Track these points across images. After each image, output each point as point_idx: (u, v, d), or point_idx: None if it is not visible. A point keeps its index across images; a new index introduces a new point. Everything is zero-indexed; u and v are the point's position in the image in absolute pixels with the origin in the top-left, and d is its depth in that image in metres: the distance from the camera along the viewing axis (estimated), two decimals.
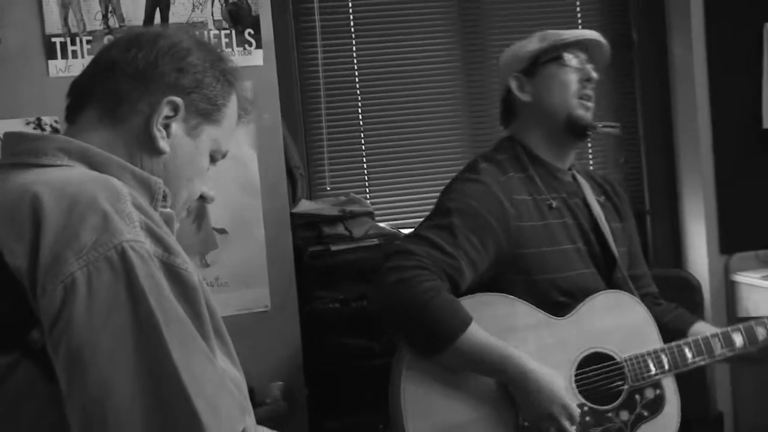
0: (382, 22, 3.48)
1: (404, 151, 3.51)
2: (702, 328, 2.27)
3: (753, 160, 3.52)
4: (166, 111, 1.31)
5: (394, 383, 2.05)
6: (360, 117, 3.46)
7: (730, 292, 3.52)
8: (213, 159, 1.40)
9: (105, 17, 2.69)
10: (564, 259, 2.17)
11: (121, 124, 1.30)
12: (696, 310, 3.15)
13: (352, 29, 3.44)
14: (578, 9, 3.60)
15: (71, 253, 1.07)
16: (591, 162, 3.59)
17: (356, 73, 3.45)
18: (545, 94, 2.23)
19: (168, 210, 1.29)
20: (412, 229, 2.88)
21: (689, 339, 2.19)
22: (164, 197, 1.28)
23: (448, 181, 3.22)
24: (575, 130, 2.22)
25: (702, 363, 2.19)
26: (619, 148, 3.63)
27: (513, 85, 2.27)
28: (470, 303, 2.03)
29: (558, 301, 2.13)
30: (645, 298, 2.32)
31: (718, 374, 3.49)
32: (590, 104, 2.23)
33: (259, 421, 1.73)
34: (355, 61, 3.45)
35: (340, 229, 3.03)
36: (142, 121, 1.30)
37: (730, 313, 3.51)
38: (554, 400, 1.99)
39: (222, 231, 2.77)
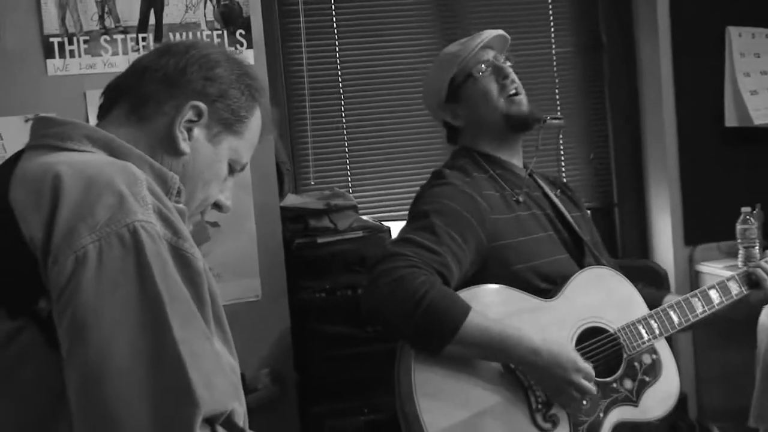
0: (364, 23, 3.49)
1: (385, 147, 3.53)
2: (674, 298, 2.30)
3: (716, 157, 3.57)
4: (189, 115, 1.34)
5: (405, 384, 1.98)
6: (343, 115, 3.48)
7: (694, 281, 3.57)
8: (232, 169, 1.42)
9: (101, 18, 2.71)
10: (539, 246, 2.18)
11: (146, 123, 1.34)
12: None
13: (335, 30, 3.46)
14: (551, 13, 3.65)
15: (85, 227, 1.10)
16: (563, 158, 3.64)
17: (339, 73, 3.47)
18: (475, 111, 2.27)
19: (181, 206, 1.30)
20: (393, 221, 2.94)
21: (672, 302, 2.21)
22: (178, 193, 1.30)
23: (427, 174, 3.27)
24: (516, 126, 2.25)
25: (687, 324, 2.20)
26: (588, 145, 3.68)
27: (446, 117, 2.33)
28: (463, 296, 2.00)
29: (541, 287, 2.13)
30: None
31: (683, 359, 3.53)
32: (519, 96, 2.25)
33: (251, 406, 1.75)
34: (338, 61, 3.47)
35: (326, 221, 3.06)
36: (166, 122, 1.33)
37: None
38: (569, 366, 1.97)
39: (214, 224, 2.78)
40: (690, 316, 2.20)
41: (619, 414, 2.09)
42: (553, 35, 3.67)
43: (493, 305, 2.04)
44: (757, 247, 3.27)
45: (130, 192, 1.14)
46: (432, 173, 2.31)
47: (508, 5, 3.61)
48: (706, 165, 3.57)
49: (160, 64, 1.35)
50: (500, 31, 2.30)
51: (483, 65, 2.26)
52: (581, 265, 2.24)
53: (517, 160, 2.32)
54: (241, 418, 1.26)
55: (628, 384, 2.12)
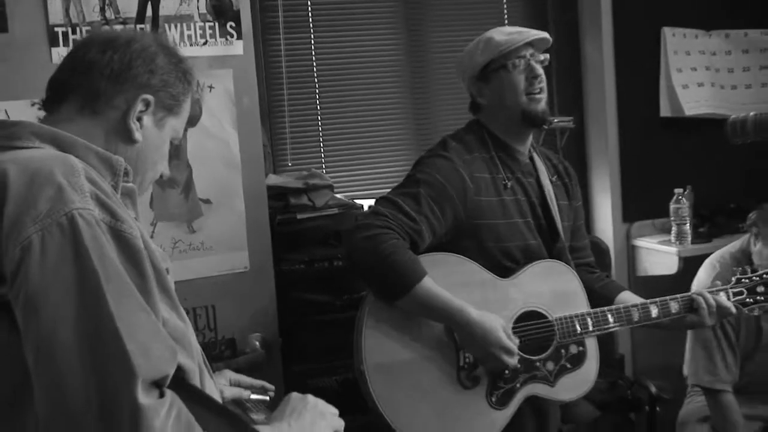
0: (337, 18, 3.52)
1: (356, 131, 3.57)
2: (626, 297, 2.36)
3: (651, 143, 3.68)
4: (140, 107, 1.38)
5: (357, 325, 2.14)
6: (317, 102, 3.51)
7: (631, 254, 3.69)
8: (171, 143, 1.49)
9: (102, 9, 2.71)
10: (513, 230, 2.25)
11: (98, 117, 1.37)
12: (605, 270, 3.32)
13: (311, 24, 3.49)
14: (505, 13, 3.72)
15: (29, 219, 1.14)
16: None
17: (314, 63, 3.50)
18: (499, 97, 2.30)
19: (130, 185, 1.36)
20: (364, 199, 3.00)
21: (612, 307, 2.27)
22: (125, 173, 1.34)
23: (395, 156, 3.34)
24: (530, 122, 2.29)
25: (620, 328, 2.30)
26: (537, 132, 3.76)
27: (473, 91, 2.35)
28: (427, 260, 2.12)
29: (505, 265, 2.23)
30: (582, 267, 2.42)
31: None
32: (540, 96, 2.28)
33: (240, 367, 1.82)
34: (313, 52, 3.49)
35: (304, 199, 3.12)
36: (118, 115, 1.37)
37: (631, 272, 3.69)
38: (494, 342, 2.08)
39: (207, 201, 2.82)
40: (625, 323, 2.28)
41: (534, 389, 2.19)
42: None
43: (450, 273, 2.15)
44: (687, 224, 3.42)
45: (67, 182, 1.17)
46: (441, 140, 2.35)
47: (467, 4, 3.67)
48: (642, 151, 3.68)
49: (105, 60, 1.38)
50: (545, 34, 2.32)
51: (519, 60, 2.27)
52: (551, 251, 2.32)
53: (522, 147, 2.35)
54: (195, 375, 1.31)
55: (549, 366, 2.21)
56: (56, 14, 2.68)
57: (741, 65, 3.75)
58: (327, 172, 3.46)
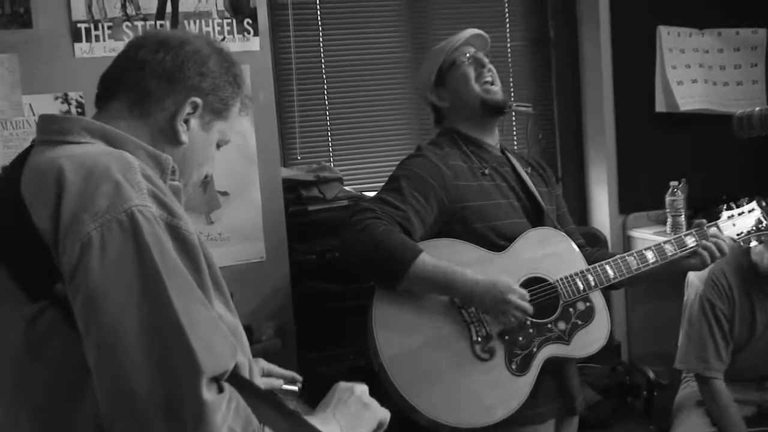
0: (345, 16, 3.55)
1: (362, 126, 3.61)
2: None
3: (647, 138, 3.72)
4: (188, 109, 1.36)
5: (368, 314, 2.12)
6: (326, 98, 3.54)
7: (626, 245, 3.73)
8: (218, 146, 1.46)
9: (123, 6, 2.74)
10: (500, 210, 2.25)
11: (147, 117, 1.35)
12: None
13: (320, 21, 3.51)
14: (506, 11, 3.76)
15: (88, 216, 1.12)
16: (515, 138, 3.74)
17: (323, 60, 3.52)
18: (456, 93, 2.34)
19: (176, 183, 1.33)
20: (371, 192, 3.01)
21: (609, 260, 2.25)
22: (173, 172, 1.32)
23: (401, 150, 3.35)
24: (490, 110, 2.32)
25: (621, 278, 2.23)
26: (536, 127, 3.77)
27: (433, 99, 2.39)
28: (420, 245, 2.11)
29: (498, 244, 2.21)
30: None
31: (616, 312, 3.71)
32: (494, 86, 2.33)
33: (256, 355, 1.81)
34: (321, 49, 3.52)
35: (315, 192, 3.15)
36: (166, 116, 1.35)
37: None
38: (504, 288, 2.06)
39: (224, 193, 2.85)
40: (624, 272, 2.24)
41: (551, 350, 2.16)
42: (507, 31, 3.77)
43: (446, 256, 2.13)
44: (682, 216, 3.46)
45: (125, 179, 1.16)
46: (416, 147, 2.40)
47: (469, 4, 3.71)
48: (638, 145, 3.72)
49: (157, 60, 1.35)
50: (479, 31, 2.40)
51: (463, 56, 2.35)
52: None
53: (491, 140, 2.38)
54: (246, 369, 1.28)
55: (561, 326, 2.18)
56: (79, 11, 2.70)
57: (732, 63, 3.81)
58: (335, 166, 3.49)
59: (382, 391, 1.96)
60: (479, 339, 2.13)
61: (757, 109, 2.19)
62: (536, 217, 2.33)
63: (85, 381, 1.13)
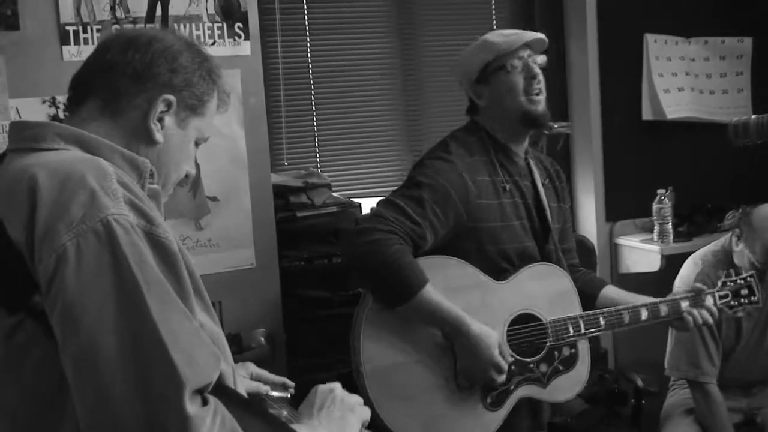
0: (332, 21, 3.55)
1: (349, 132, 3.60)
2: (609, 292, 2.40)
3: (633, 146, 3.75)
4: (161, 107, 1.33)
5: (357, 325, 2.10)
6: (313, 104, 3.53)
7: (613, 252, 3.76)
8: (197, 144, 1.43)
9: (113, 8, 2.72)
10: (511, 233, 2.24)
11: (119, 117, 1.31)
12: (591, 267, 3.39)
13: (307, 27, 3.50)
14: (494, 19, 3.78)
15: (63, 225, 1.09)
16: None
17: (310, 65, 3.52)
18: (498, 99, 2.27)
19: (155, 186, 1.31)
20: (358, 198, 2.96)
21: (604, 310, 2.28)
22: (151, 175, 1.29)
23: (388, 157, 3.32)
24: (529, 123, 2.28)
25: (611, 330, 2.32)
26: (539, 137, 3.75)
27: (472, 94, 2.33)
28: (426, 263, 2.10)
29: (502, 267, 2.22)
30: (568, 268, 2.42)
31: None
32: (539, 97, 2.26)
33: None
34: (309, 55, 3.51)
35: (303, 198, 3.14)
36: (139, 115, 1.32)
37: (614, 269, 3.77)
38: (486, 358, 2.08)
39: (214, 199, 2.85)
40: (615, 325, 2.29)
41: (527, 390, 2.20)
42: None
43: (449, 277, 2.14)
44: (669, 224, 3.50)
45: (100, 187, 1.13)
46: (442, 141, 2.32)
47: (457, 8, 3.72)
48: (625, 153, 3.74)
49: (126, 60, 1.32)
50: (541, 35, 2.32)
51: (517, 61, 2.26)
52: (543, 251, 2.32)
53: (520, 150, 2.34)
54: (230, 378, 1.27)
55: (543, 368, 2.22)
56: (67, 13, 2.69)
57: (718, 71, 3.86)
58: (322, 171, 3.47)
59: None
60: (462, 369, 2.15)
61: (753, 117, 2.22)
62: (543, 236, 2.34)
63: (66, 395, 1.10)
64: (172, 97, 1.33)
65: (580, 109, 3.79)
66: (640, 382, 3.17)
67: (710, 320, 2.37)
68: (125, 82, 1.31)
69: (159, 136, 1.33)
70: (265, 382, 1.86)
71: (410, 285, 2.03)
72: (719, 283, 2.48)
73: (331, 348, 2.92)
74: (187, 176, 1.44)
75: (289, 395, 1.85)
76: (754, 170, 3.71)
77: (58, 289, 1.08)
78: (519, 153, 2.35)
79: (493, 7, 3.79)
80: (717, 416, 2.77)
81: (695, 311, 2.34)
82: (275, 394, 1.84)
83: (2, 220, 1.13)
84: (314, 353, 3.00)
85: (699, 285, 2.43)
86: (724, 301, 2.43)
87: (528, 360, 2.20)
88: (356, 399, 1.48)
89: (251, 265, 2.90)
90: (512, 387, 2.18)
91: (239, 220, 2.88)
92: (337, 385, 1.47)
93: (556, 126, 2.44)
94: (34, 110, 2.64)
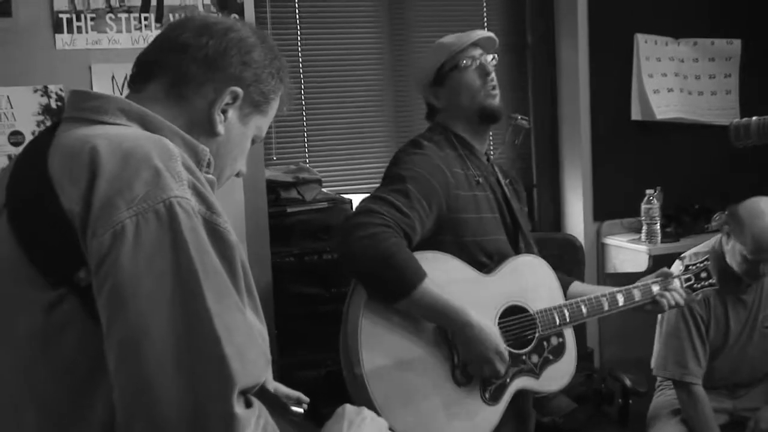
0: (323, 15, 3.56)
1: (339, 127, 3.62)
2: (578, 288, 2.47)
3: (622, 146, 3.80)
4: (227, 99, 1.31)
5: (351, 323, 2.08)
6: (303, 98, 3.54)
7: (600, 252, 3.81)
8: (253, 142, 1.41)
9: None
10: (487, 225, 2.28)
11: (184, 102, 1.30)
12: (579, 266, 3.46)
13: (298, 21, 3.52)
14: (485, 16, 3.81)
15: (123, 201, 1.06)
16: (491, 142, 3.72)
17: (300, 60, 3.53)
18: (455, 97, 2.33)
19: (211, 176, 1.27)
20: (347, 194, 2.97)
21: (584, 298, 2.35)
22: (208, 164, 1.27)
23: (377, 152, 3.30)
24: (486, 118, 2.33)
25: (593, 317, 2.40)
26: (513, 132, 3.84)
27: (429, 97, 2.39)
28: (422, 256, 2.12)
29: (481, 260, 2.25)
30: None
31: (588, 321, 3.77)
32: (495, 92, 2.33)
33: None
34: (299, 48, 3.53)
35: (294, 193, 3.16)
36: (204, 104, 1.30)
37: (600, 269, 3.82)
38: (490, 347, 2.11)
39: None
40: (596, 311, 2.37)
41: (523, 382, 2.25)
42: None
43: (441, 271, 2.15)
44: (657, 224, 3.55)
45: (165, 167, 1.10)
46: (410, 141, 2.36)
47: (448, 8, 3.75)
48: (613, 153, 3.80)
49: (200, 44, 1.30)
50: (490, 34, 2.39)
51: (470, 60, 2.33)
52: (515, 247, 2.37)
53: (481, 147, 2.40)
54: (271, 383, 1.25)
55: (534, 359, 2.27)
56: (61, 0, 2.66)
57: (707, 73, 3.92)
58: (311, 166, 3.49)
59: (351, 398, 1.98)
60: (459, 363, 2.16)
61: (754, 118, 2.27)
62: (513, 234, 2.38)
63: (99, 380, 1.08)
64: (239, 90, 1.31)
65: (570, 107, 3.84)
66: (628, 382, 3.19)
67: (681, 302, 2.47)
68: (195, 67, 1.30)
69: (221, 128, 1.31)
70: (281, 397, 1.83)
71: (410, 278, 2.04)
72: (682, 268, 2.58)
73: (319, 345, 2.94)
74: (238, 174, 1.43)
75: (302, 411, 1.82)
76: (741, 171, 3.77)
77: (110, 267, 1.04)
78: (481, 150, 2.41)
79: (484, 3, 3.82)
80: (702, 416, 2.80)
81: (667, 293, 2.43)
82: (294, 409, 1.82)
83: (56, 190, 1.10)
84: (301, 350, 3.01)
85: (665, 270, 2.51)
86: (688, 284, 2.53)
87: (520, 351, 2.24)
88: (384, 422, 1.45)
89: None
90: (508, 380, 2.22)
91: (232, 214, 2.87)
92: (364, 408, 1.44)
93: (519, 117, 2.49)
94: (25, 99, 2.62)
